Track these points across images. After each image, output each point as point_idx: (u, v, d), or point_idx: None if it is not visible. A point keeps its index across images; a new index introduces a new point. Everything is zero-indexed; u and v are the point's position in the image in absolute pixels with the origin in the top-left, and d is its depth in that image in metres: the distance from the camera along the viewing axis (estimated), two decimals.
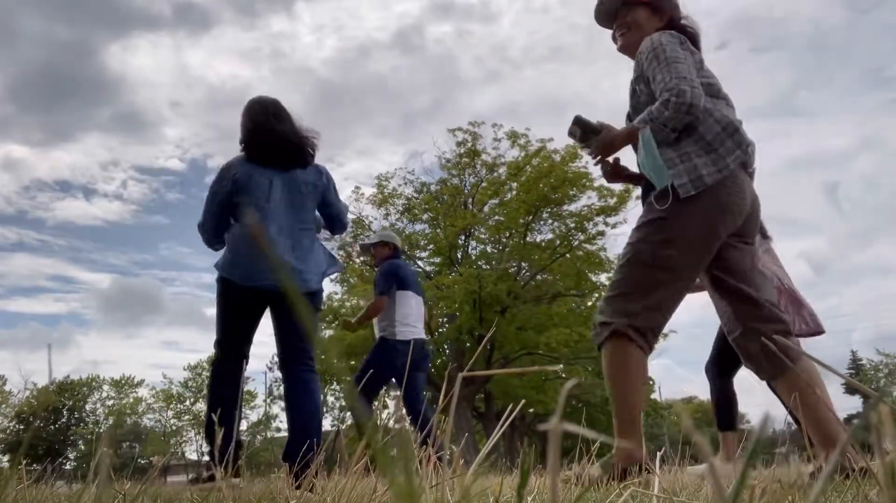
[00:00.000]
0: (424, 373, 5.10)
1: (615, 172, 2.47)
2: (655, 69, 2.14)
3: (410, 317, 4.81)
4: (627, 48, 2.41)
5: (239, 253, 2.90)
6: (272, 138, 2.95)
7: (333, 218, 3.16)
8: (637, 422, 2.07)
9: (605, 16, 2.47)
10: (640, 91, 2.27)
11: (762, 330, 2.10)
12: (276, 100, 3.08)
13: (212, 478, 2.54)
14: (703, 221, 2.09)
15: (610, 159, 2.42)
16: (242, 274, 2.86)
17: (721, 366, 3.65)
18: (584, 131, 2.32)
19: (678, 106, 2.05)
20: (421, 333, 4.90)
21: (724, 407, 3.62)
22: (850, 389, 31.13)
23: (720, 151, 2.11)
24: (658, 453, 1.15)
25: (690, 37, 2.32)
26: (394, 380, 4.91)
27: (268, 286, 2.85)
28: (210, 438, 2.70)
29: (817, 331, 3.42)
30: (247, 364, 3.00)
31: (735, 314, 2.18)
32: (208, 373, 2.98)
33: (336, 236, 3.30)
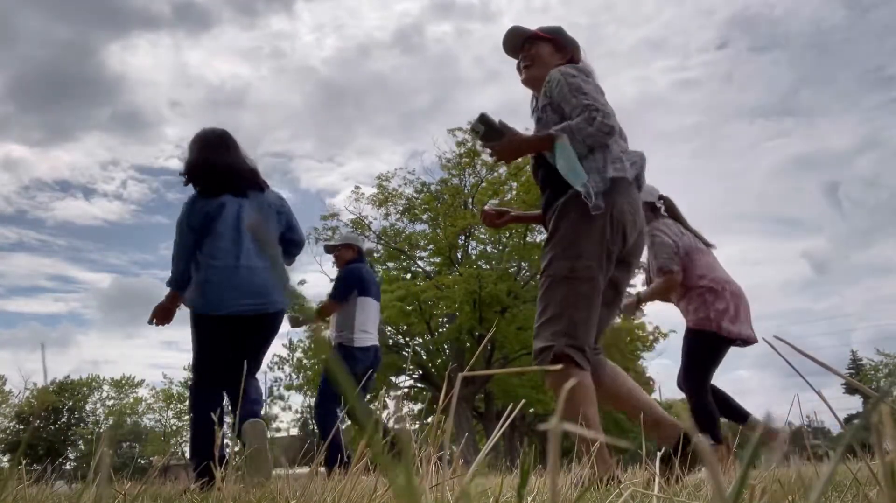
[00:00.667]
0: (374, 377, 5.15)
1: (497, 216, 2.68)
2: (568, 94, 2.27)
3: (368, 324, 4.84)
4: (531, 81, 2.53)
5: (209, 284, 2.99)
6: (226, 169, 3.09)
7: (296, 242, 3.33)
8: (602, 448, 2.10)
9: (511, 46, 2.60)
10: (546, 118, 2.37)
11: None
12: (223, 130, 3.22)
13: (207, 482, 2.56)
14: (609, 228, 2.18)
15: (491, 209, 2.70)
16: (216, 304, 2.97)
17: (695, 380, 3.66)
18: (489, 130, 2.36)
19: (602, 125, 2.18)
20: (376, 339, 4.94)
21: (705, 421, 3.60)
22: (850, 389, 31.15)
23: (619, 166, 2.24)
24: (658, 453, 1.15)
25: (587, 75, 2.46)
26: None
27: (240, 312, 2.97)
28: (198, 459, 2.81)
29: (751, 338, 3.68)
30: (225, 387, 3.08)
31: None
32: (189, 397, 3.08)
33: (295, 257, 3.46)
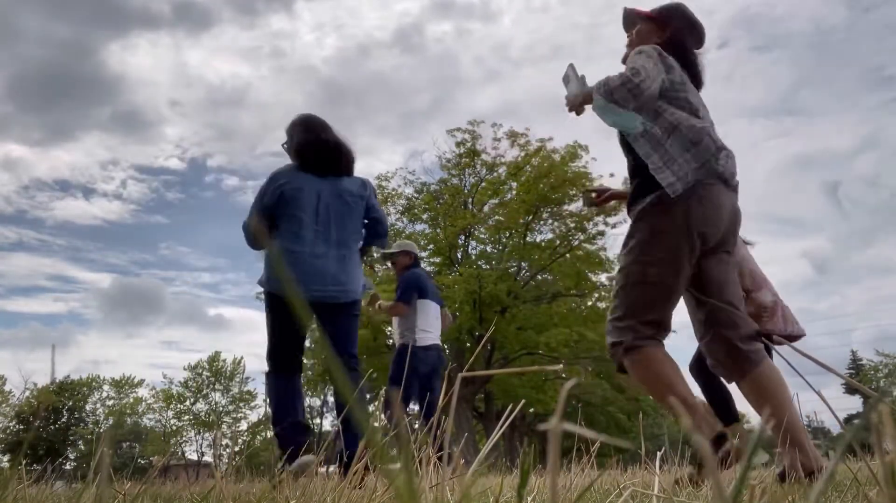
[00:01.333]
0: (440, 375, 5.30)
1: (598, 196, 2.80)
2: (638, 56, 2.32)
3: (429, 325, 5.10)
4: (626, 59, 2.55)
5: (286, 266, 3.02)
6: (325, 148, 3.17)
7: (378, 221, 3.35)
8: (695, 405, 2.15)
9: (625, 24, 2.68)
10: None
11: (729, 335, 2.24)
12: (323, 119, 3.32)
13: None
14: (685, 236, 2.21)
15: (594, 195, 2.86)
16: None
17: (704, 364, 3.66)
18: (572, 79, 2.49)
19: (627, 81, 2.19)
20: (437, 339, 5.17)
21: (720, 402, 3.60)
22: (850, 389, 31.15)
23: (695, 162, 2.23)
24: (658, 453, 1.15)
25: (688, 61, 2.48)
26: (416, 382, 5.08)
27: (313, 298, 2.98)
28: (283, 447, 2.77)
29: (799, 334, 3.52)
30: (301, 372, 3.13)
31: (707, 320, 2.30)
32: (266, 384, 3.05)
33: (377, 243, 3.49)
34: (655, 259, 2.23)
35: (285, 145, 3.29)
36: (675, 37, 2.52)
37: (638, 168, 2.33)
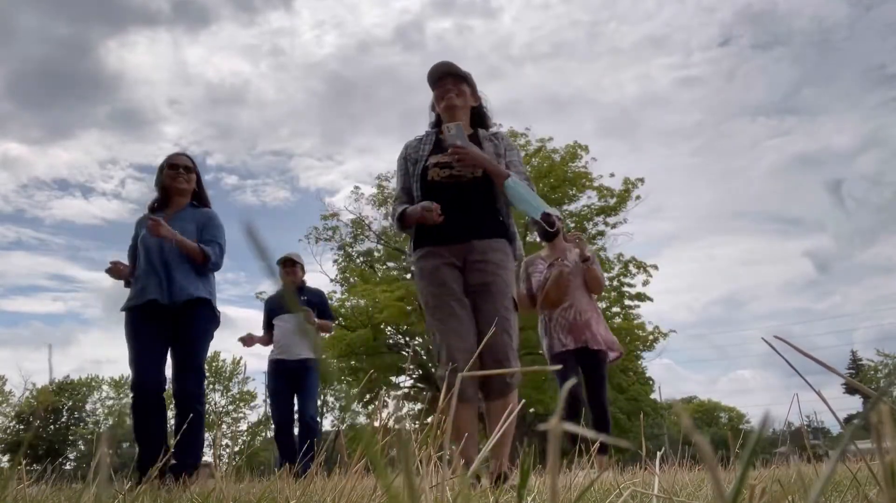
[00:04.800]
0: None
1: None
2: (517, 161, 2.84)
3: None
4: (455, 109, 2.87)
5: None
6: None
7: None
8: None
9: (440, 75, 2.91)
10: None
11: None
12: None
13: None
14: None
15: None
16: None
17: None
18: (458, 134, 2.71)
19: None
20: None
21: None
22: (850, 389, 31.17)
23: None
24: (658, 453, 1.15)
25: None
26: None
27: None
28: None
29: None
30: None
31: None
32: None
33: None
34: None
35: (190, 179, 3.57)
36: (482, 106, 2.98)
37: (495, 209, 2.72)
